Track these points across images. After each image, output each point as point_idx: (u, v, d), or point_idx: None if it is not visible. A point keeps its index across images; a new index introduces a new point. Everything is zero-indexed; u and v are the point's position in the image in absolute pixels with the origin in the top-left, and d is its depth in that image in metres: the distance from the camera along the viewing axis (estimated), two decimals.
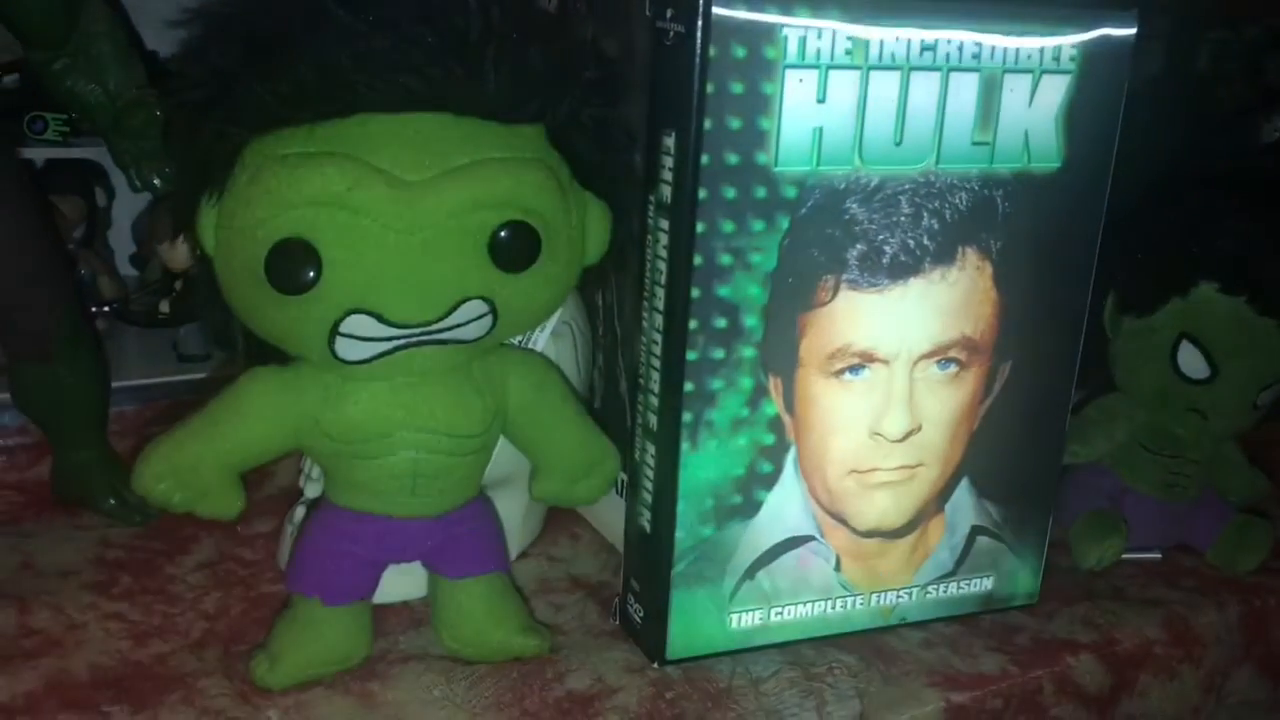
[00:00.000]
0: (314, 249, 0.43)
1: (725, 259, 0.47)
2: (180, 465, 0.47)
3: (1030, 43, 0.48)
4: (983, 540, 0.56)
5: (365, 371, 0.46)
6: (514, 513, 0.58)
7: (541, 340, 0.55)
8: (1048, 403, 0.55)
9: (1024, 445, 0.55)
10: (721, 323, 0.47)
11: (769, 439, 0.50)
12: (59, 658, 0.50)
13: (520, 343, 0.54)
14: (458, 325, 0.46)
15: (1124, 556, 0.64)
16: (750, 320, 0.48)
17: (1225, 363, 0.59)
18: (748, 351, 0.48)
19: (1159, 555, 0.64)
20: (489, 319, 0.46)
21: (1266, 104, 0.92)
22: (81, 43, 0.56)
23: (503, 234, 0.45)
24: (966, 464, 0.54)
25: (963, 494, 0.54)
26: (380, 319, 0.44)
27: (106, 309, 0.80)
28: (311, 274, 0.43)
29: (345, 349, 0.45)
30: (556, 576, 0.59)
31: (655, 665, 0.52)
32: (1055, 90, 0.50)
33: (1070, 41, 0.49)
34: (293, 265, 0.43)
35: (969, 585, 0.57)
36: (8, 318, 0.57)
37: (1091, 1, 0.50)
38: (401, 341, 0.45)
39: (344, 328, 0.44)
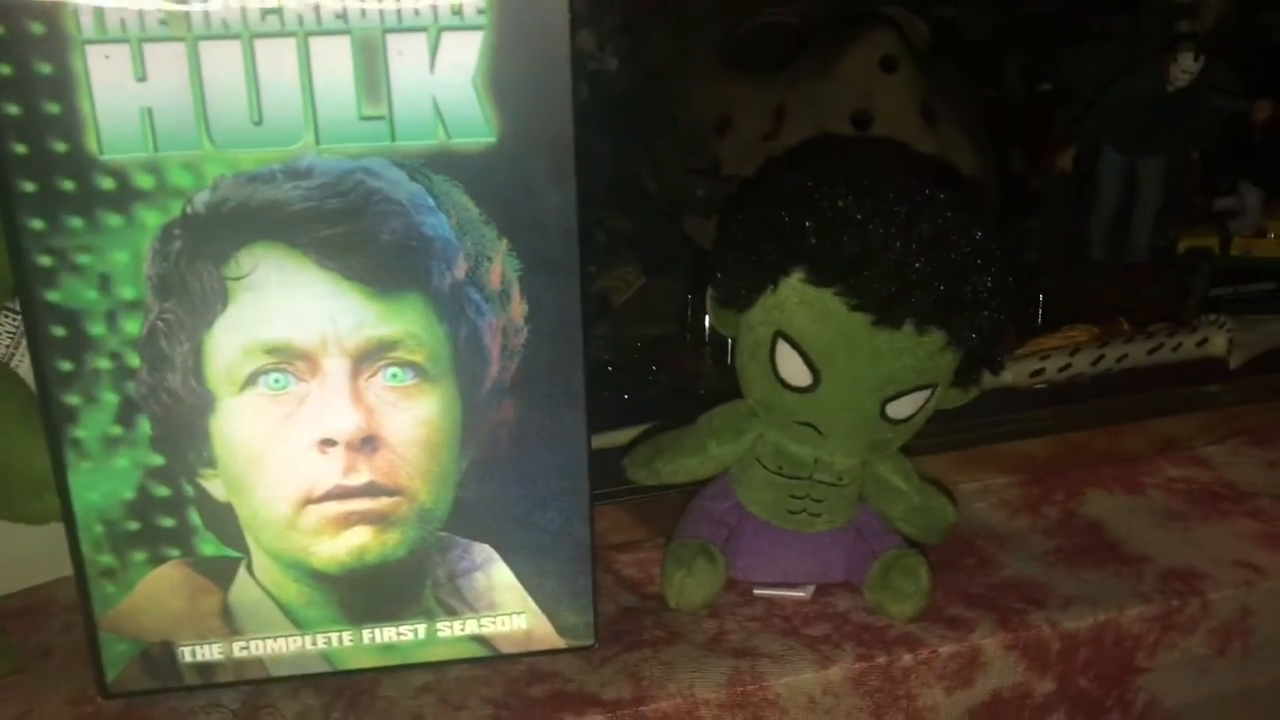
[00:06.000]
0: None
1: (80, 259, 0.42)
2: None
3: None
4: (501, 573, 0.49)
5: None
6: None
7: None
8: (555, 417, 0.47)
9: (535, 467, 0.47)
10: (60, 331, 0.43)
11: (157, 460, 0.45)
12: None
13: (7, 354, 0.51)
14: None
15: (762, 594, 0.54)
16: (97, 329, 0.43)
17: (825, 367, 0.49)
18: (103, 363, 0.43)
19: (805, 594, 0.54)
20: None
21: (1174, 46, 0.80)
22: None
23: None
24: (467, 486, 0.47)
25: (468, 519, 0.47)
26: None
27: None
28: None
29: None
30: None
31: (100, 698, 0.48)
32: (464, 50, 0.42)
33: None
34: None
35: (493, 624, 0.49)
36: None
37: None
38: None
39: None
